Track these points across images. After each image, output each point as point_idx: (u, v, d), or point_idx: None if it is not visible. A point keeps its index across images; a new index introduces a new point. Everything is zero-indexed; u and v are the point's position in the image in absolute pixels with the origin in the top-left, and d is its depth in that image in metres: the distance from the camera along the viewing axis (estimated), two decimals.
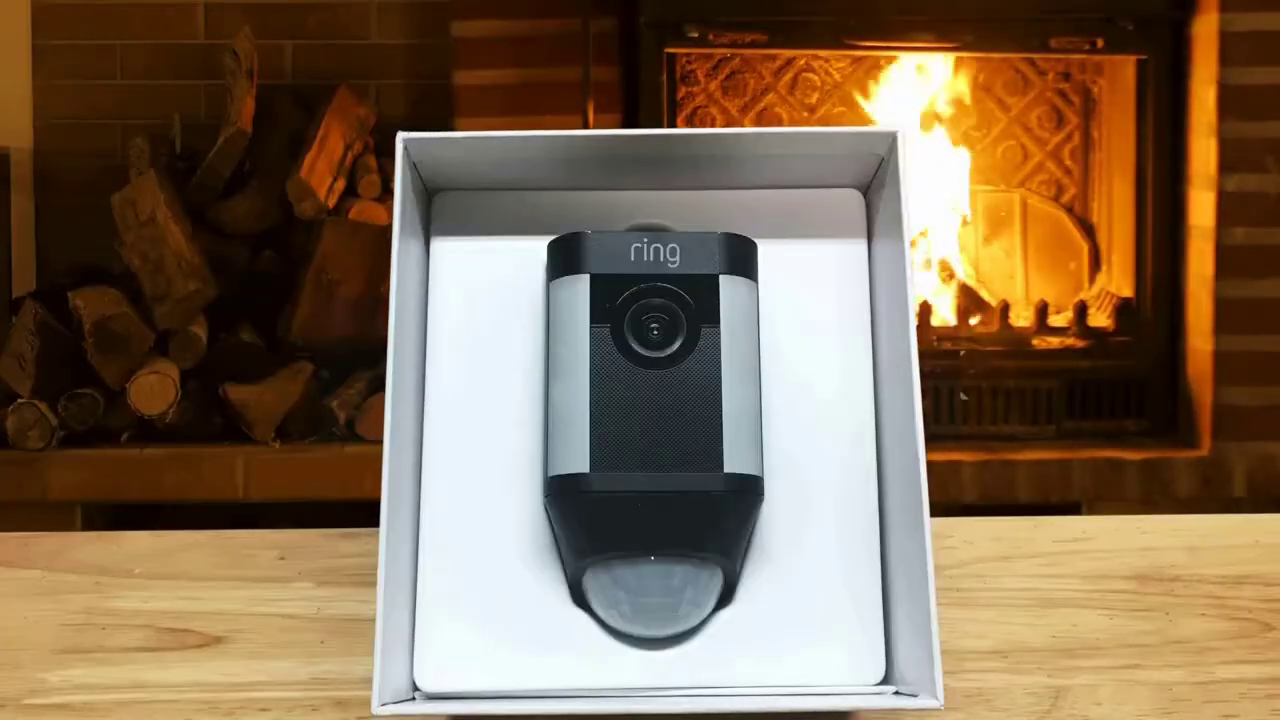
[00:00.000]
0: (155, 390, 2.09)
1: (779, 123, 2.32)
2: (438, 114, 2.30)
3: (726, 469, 0.52)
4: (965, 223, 2.38)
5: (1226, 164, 2.19)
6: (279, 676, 0.58)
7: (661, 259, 0.54)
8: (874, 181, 0.58)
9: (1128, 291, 2.32)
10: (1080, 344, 2.30)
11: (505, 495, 0.55)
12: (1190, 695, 0.58)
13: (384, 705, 0.50)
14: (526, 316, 0.57)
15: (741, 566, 0.55)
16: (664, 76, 2.26)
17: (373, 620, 0.50)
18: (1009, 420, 2.28)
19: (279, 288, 2.23)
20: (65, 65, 2.44)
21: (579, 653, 0.54)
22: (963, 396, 2.27)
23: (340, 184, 2.25)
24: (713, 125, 2.32)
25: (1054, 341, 2.31)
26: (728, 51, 2.32)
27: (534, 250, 0.57)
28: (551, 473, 0.53)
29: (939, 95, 2.35)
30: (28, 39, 2.44)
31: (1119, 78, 2.34)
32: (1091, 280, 2.38)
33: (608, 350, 0.53)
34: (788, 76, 2.36)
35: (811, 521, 0.55)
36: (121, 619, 0.61)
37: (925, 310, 2.30)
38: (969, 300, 2.34)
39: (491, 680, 0.53)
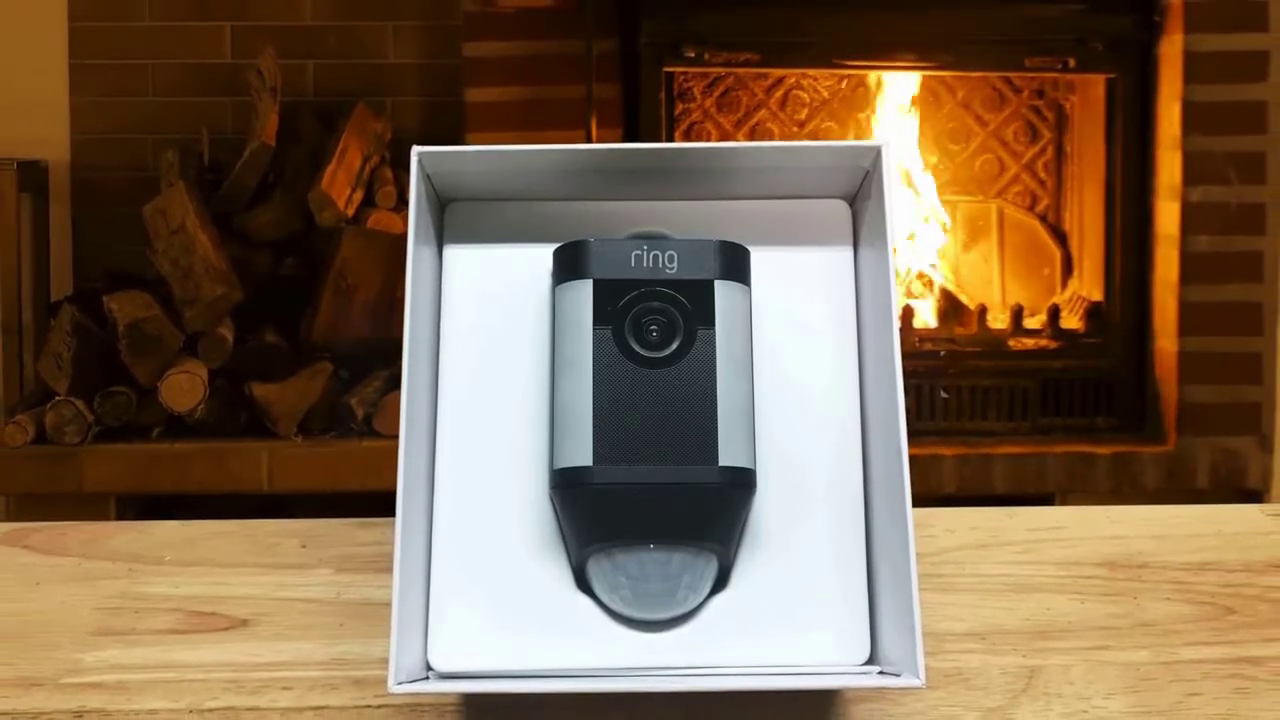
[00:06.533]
0: (185, 388, 2.09)
1: (770, 137, 2.32)
2: (450, 129, 2.30)
3: (721, 462, 0.52)
4: (945, 231, 2.38)
5: (1191, 176, 2.19)
6: (301, 657, 0.58)
7: (660, 265, 0.54)
8: (859, 192, 0.58)
9: (1098, 295, 2.32)
10: (1053, 345, 2.30)
11: (513, 487, 0.55)
12: (1156, 675, 0.58)
13: (399, 684, 0.49)
14: (533, 319, 0.57)
15: (735, 554, 0.54)
16: (662, 94, 2.26)
17: (389, 604, 0.50)
18: (986, 416, 2.28)
19: (301, 292, 2.23)
20: (100, 83, 2.44)
21: (582, 635, 0.54)
22: (943, 394, 2.27)
23: (358, 195, 2.25)
24: (708, 140, 2.32)
25: (1028, 343, 2.31)
26: (722, 70, 2.32)
27: (540, 257, 0.57)
28: (556, 466, 0.53)
29: (921, 111, 2.35)
30: (65, 59, 2.44)
31: (1090, 95, 2.34)
32: (1064, 285, 2.38)
33: (609, 351, 0.53)
34: (779, 94, 2.36)
35: (801, 511, 0.55)
36: (153, 603, 0.61)
37: (908, 313, 2.30)
38: (949, 304, 2.34)
39: (500, 661, 0.53)
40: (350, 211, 2.22)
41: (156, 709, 0.56)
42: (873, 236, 0.56)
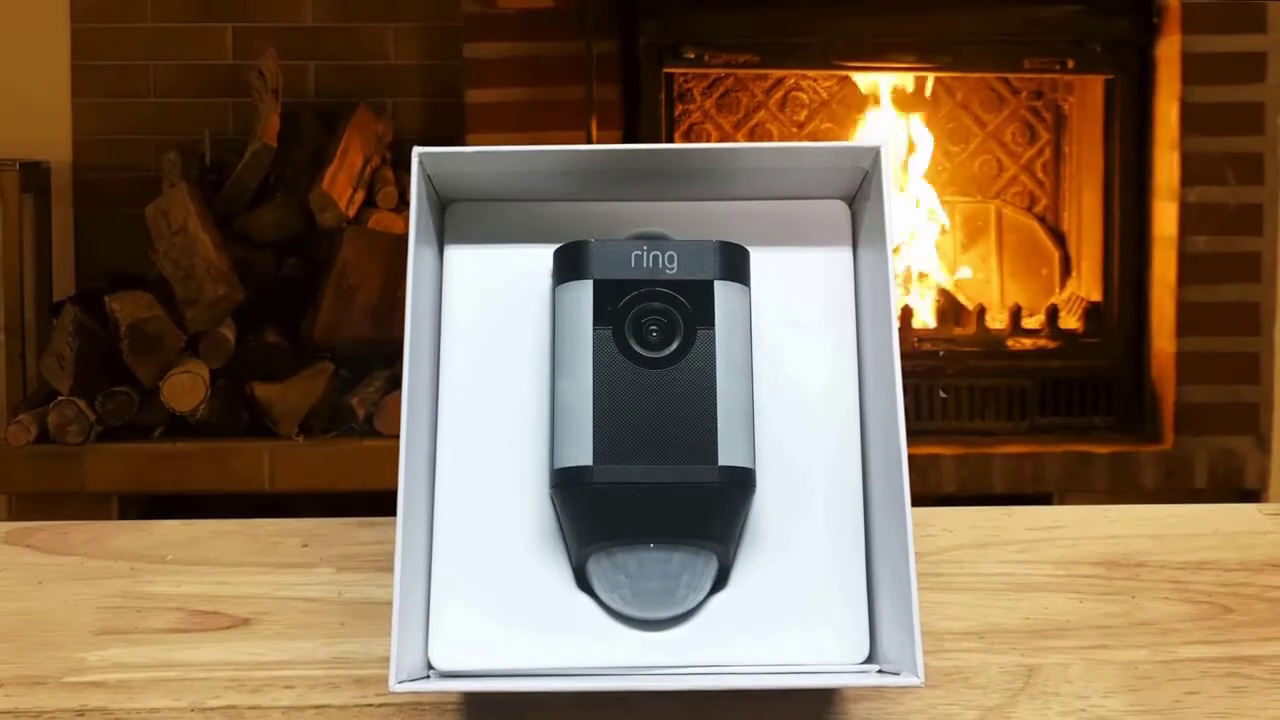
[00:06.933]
0: (186, 388, 2.09)
1: (770, 138, 2.32)
2: (451, 130, 2.30)
3: (721, 462, 0.52)
4: (944, 231, 2.38)
5: (1188, 177, 2.19)
6: (302, 656, 0.58)
7: (660, 265, 0.54)
8: (858, 193, 0.58)
9: (1096, 296, 2.32)
10: (1052, 345, 2.30)
11: (514, 486, 0.55)
12: (1154, 673, 0.58)
13: (401, 683, 0.49)
14: (533, 319, 0.57)
15: (735, 553, 0.55)
16: (662, 95, 2.26)
17: (390, 603, 0.50)
18: (985, 416, 2.28)
19: (302, 292, 2.23)
20: (102, 84, 2.44)
21: (583, 634, 0.54)
22: (942, 394, 2.27)
23: (359, 195, 2.25)
24: (708, 141, 2.32)
25: (1027, 343, 2.31)
26: (722, 71, 2.32)
27: (540, 257, 0.57)
28: (557, 465, 0.53)
29: (920, 112, 2.35)
30: (68, 60, 2.44)
31: (1088, 96, 2.34)
32: (1062, 285, 2.38)
33: (609, 351, 0.53)
34: (778, 95, 2.36)
35: (801, 511, 0.55)
36: (155, 602, 0.61)
37: (907, 313, 2.30)
38: (948, 304, 2.34)
39: (501, 659, 0.53)
40: (351, 212, 2.22)
41: (158, 707, 0.56)
42: (872, 237, 0.56)
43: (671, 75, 2.29)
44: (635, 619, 0.54)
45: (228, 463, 2.13)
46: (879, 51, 2.29)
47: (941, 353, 2.28)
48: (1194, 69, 2.18)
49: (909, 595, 0.50)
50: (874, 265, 0.56)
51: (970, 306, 2.32)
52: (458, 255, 0.58)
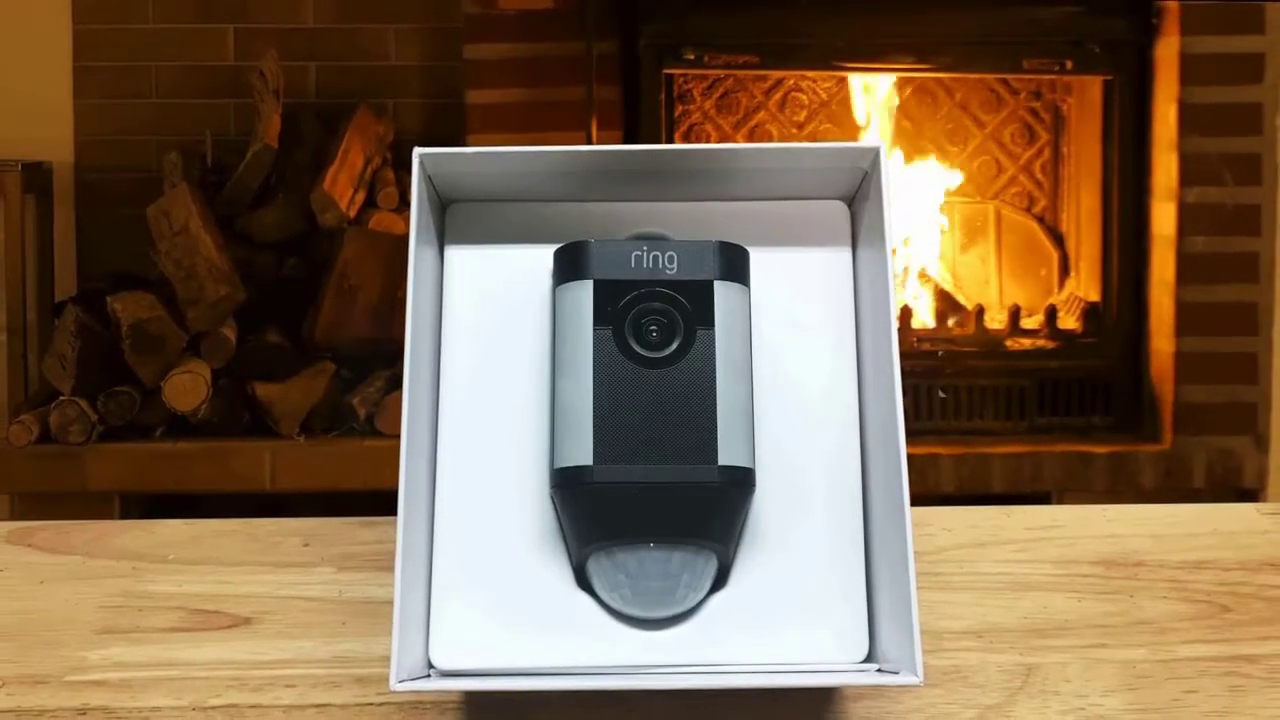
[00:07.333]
0: (188, 388, 2.09)
1: (770, 139, 2.32)
2: (451, 131, 2.30)
3: (721, 461, 0.52)
4: (943, 232, 2.38)
5: (1187, 177, 2.19)
6: (303, 655, 0.58)
7: (660, 266, 0.54)
8: (858, 193, 0.58)
9: (1095, 296, 2.32)
10: (1050, 345, 2.30)
11: (514, 486, 0.55)
12: (1153, 672, 0.58)
13: (401, 682, 0.49)
14: (534, 319, 0.57)
15: (735, 553, 0.54)
16: (662, 96, 2.26)
17: (390, 603, 0.50)
18: (984, 416, 2.28)
19: (303, 293, 2.23)
20: (104, 85, 2.44)
21: (583, 633, 0.54)
22: (941, 394, 2.27)
23: (360, 196, 2.25)
24: (708, 141, 2.31)
25: (1026, 343, 2.31)
26: (722, 72, 2.32)
27: (541, 258, 0.57)
28: (557, 465, 0.53)
29: (918, 112, 2.35)
30: (69, 61, 2.44)
31: (1087, 97, 2.34)
32: (1061, 285, 2.38)
33: (609, 351, 0.53)
34: (778, 95, 2.36)
35: (800, 510, 0.55)
36: (156, 601, 0.61)
37: (906, 313, 2.30)
38: (947, 304, 2.34)
39: (502, 659, 0.53)
40: (352, 213, 2.22)
41: (160, 706, 0.56)
42: (871, 237, 0.56)
43: (671, 76, 2.29)
44: (635, 618, 0.54)
45: (229, 462, 2.13)
46: (878, 52, 2.29)
47: (940, 353, 2.28)
48: (1192, 70, 2.18)
49: (908, 594, 0.50)
50: (873, 265, 0.56)
51: (969, 306, 2.32)
52: (458, 256, 0.58)
